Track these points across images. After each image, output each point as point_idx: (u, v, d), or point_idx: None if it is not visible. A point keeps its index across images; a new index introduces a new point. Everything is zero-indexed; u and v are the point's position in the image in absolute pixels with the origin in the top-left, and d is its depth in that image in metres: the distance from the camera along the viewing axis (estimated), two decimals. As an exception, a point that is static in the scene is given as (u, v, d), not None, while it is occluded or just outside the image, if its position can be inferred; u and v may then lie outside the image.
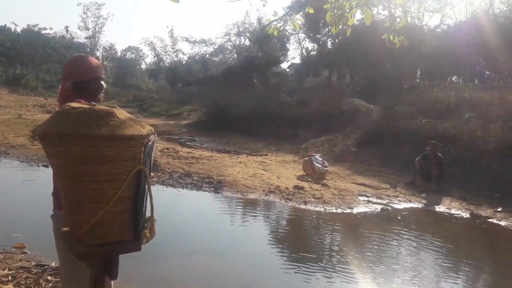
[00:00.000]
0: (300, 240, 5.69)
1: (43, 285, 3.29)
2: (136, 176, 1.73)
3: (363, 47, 20.03)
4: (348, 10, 3.49)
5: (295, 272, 4.29)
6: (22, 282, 3.31)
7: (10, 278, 3.35)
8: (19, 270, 3.54)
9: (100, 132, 1.58)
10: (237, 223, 6.13)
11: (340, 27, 3.58)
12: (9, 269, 3.53)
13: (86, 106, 1.69)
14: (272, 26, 4.16)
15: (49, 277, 3.46)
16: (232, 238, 5.34)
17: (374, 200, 7.63)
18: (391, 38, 3.38)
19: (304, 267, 4.44)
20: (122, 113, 1.71)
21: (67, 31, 61.03)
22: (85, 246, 1.68)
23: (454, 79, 24.63)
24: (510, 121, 9.64)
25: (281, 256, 4.85)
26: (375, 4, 3.27)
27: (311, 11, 3.46)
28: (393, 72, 20.79)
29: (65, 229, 1.81)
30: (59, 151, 1.61)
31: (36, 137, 1.68)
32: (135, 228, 1.76)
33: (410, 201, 7.74)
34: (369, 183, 8.99)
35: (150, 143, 1.73)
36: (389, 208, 7.16)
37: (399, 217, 6.76)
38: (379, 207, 7.14)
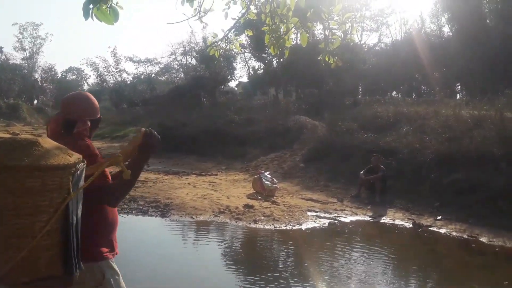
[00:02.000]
0: (250, 259, 5.66)
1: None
2: (64, 208, 1.65)
3: (307, 65, 20.73)
4: (284, 33, 3.60)
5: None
6: None
7: None
8: None
9: (23, 163, 1.50)
10: (186, 247, 5.99)
11: (279, 49, 3.68)
12: None
13: (7, 135, 1.60)
14: (214, 47, 4.19)
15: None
16: (180, 262, 5.20)
17: (322, 214, 7.78)
18: (327, 58, 3.51)
19: (257, 286, 4.41)
20: (47, 142, 1.64)
21: (1, 52, 57.79)
22: (10, 284, 1.58)
23: (394, 94, 26.08)
24: (444, 133, 10.27)
25: (233, 277, 4.79)
26: (309, 27, 3.40)
27: (250, 33, 3.53)
28: (336, 89, 21.68)
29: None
30: (-24, 185, 1.50)
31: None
32: (65, 262, 1.68)
33: (356, 214, 7.96)
34: (317, 198, 9.17)
35: (78, 172, 1.66)
36: (336, 222, 7.32)
37: (346, 230, 6.93)
38: (327, 221, 7.28)
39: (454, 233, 6.76)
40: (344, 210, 8.19)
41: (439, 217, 7.56)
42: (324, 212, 7.93)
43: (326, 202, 8.77)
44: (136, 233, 6.27)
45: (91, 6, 2.38)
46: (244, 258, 5.68)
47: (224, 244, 6.24)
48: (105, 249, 1.97)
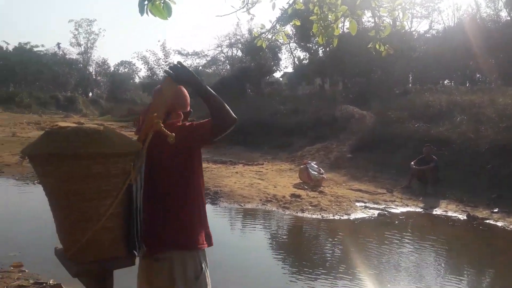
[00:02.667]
0: (298, 248, 5.69)
1: (40, 304, 3.28)
2: (128, 193, 1.75)
3: (354, 54, 20.21)
4: (333, 21, 3.56)
5: (295, 281, 4.28)
6: (19, 301, 3.30)
7: (7, 298, 3.34)
8: (16, 290, 3.52)
9: (88, 151, 1.60)
10: (235, 234, 6.13)
11: (326, 38, 3.65)
12: (6, 289, 3.52)
13: (74, 125, 1.72)
14: (261, 38, 4.22)
15: (46, 296, 3.45)
16: (229, 248, 5.32)
17: (371, 205, 7.65)
18: (377, 46, 3.43)
19: (305, 275, 4.44)
20: (110, 131, 1.74)
21: (59, 47, 60.99)
22: (78, 263, 1.70)
23: (446, 82, 24.89)
24: (502, 122, 9.72)
25: (280, 265, 4.84)
26: (359, 15, 3.33)
27: (298, 23, 3.52)
28: (385, 78, 20.99)
29: (58, 247, 1.84)
30: (48, 171, 1.64)
31: (25, 157, 1.69)
32: (128, 243, 1.78)
33: (407, 205, 7.76)
34: (365, 189, 9.02)
35: (139, 159, 1.75)
36: (386, 213, 7.18)
37: (397, 222, 6.78)
38: (376, 212, 7.16)
39: (512, 227, 6.43)
40: (394, 201, 8.01)
41: (495, 210, 7.21)
42: (373, 203, 7.79)
43: (375, 193, 8.61)
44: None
45: (146, 2, 2.48)
46: (291, 247, 5.73)
47: (272, 232, 6.31)
48: (204, 238, 1.96)
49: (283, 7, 4.24)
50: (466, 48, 18.92)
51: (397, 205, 7.72)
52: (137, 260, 1.86)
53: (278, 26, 4.05)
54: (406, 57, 20.40)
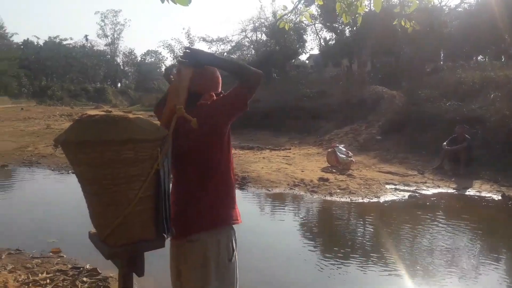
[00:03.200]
0: (327, 232, 5.68)
1: (79, 286, 3.42)
2: (156, 177, 1.79)
3: (382, 32, 19.65)
4: (356, -1, 3.47)
5: (325, 264, 4.29)
6: (60, 284, 3.45)
7: (48, 281, 3.50)
8: (56, 273, 3.69)
9: (116, 137, 1.65)
10: (262, 218, 6.17)
11: (350, 17, 3.56)
12: (47, 273, 3.69)
13: (102, 113, 1.76)
14: (283, 20, 4.17)
15: (84, 279, 3.59)
16: (257, 233, 5.37)
17: (402, 187, 7.53)
18: (403, 23, 3.33)
19: (334, 259, 4.44)
20: (137, 118, 1.78)
21: (86, 40, 62.37)
22: (111, 246, 1.77)
23: (480, 58, 23.93)
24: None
25: (310, 249, 4.84)
26: (384, -10, 3.23)
27: (321, 2, 3.45)
28: (415, 55, 20.34)
29: (92, 231, 1.91)
30: (79, 158, 1.69)
31: (58, 145, 1.76)
32: (157, 226, 1.83)
33: (439, 186, 7.59)
34: (395, 171, 8.87)
35: (166, 144, 1.79)
36: (417, 194, 7.05)
37: (428, 203, 6.64)
38: (407, 194, 7.04)
39: (552, 207, 6.19)
40: (426, 182, 7.84)
41: (533, 189, 6.96)
42: (403, 185, 7.67)
43: (405, 175, 8.46)
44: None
45: (166, -12, 2.49)
46: (320, 230, 5.72)
47: (300, 215, 6.32)
48: (235, 214, 1.97)
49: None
50: (500, 20, 18.05)
51: (429, 187, 7.56)
52: (167, 243, 1.90)
53: (301, 7, 3.99)
54: (436, 33, 19.69)
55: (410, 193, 7.09)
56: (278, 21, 4.49)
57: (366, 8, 3.88)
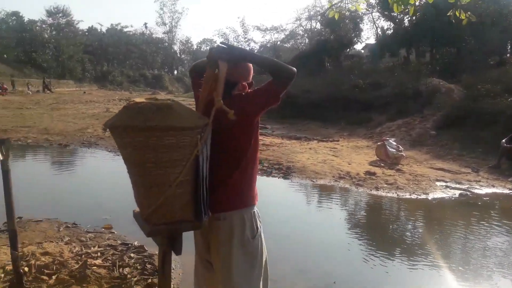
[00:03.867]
0: (370, 226, 5.60)
1: (127, 261, 3.67)
2: (195, 162, 1.90)
3: (444, 22, 18.66)
4: (409, -12, 3.36)
5: (362, 259, 4.26)
6: (109, 258, 3.72)
7: (99, 254, 3.79)
8: (107, 248, 3.97)
9: (160, 124, 1.77)
10: (304, 208, 6.20)
11: (402, 7, 3.47)
12: (99, 246, 3.99)
13: (148, 101, 1.89)
14: (333, 9, 4.12)
15: (132, 254, 3.85)
16: (299, 222, 5.43)
17: (453, 185, 7.24)
18: (457, 14, 3.19)
19: (374, 253, 4.40)
20: (180, 106, 1.89)
21: (146, 27, 64.62)
22: (152, 224, 1.91)
23: (553, 50, 22.09)
24: None
25: (351, 242, 4.82)
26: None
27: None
28: (478, 47, 19.14)
29: (136, 210, 2.07)
30: (125, 142, 1.83)
31: (107, 129, 1.91)
32: (195, 208, 1.95)
33: (493, 186, 7.21)
34: (448, 168, 8.52)
35: (205, 132, 1.89)
36: (468, 193, 6.76)
37: (480, 203, 6.35)
38: (457, 192, 6.77)
39: None
40: (479, 181, 7.48)
41: None
42: (455, 183, 7.37)
43: (458, 172, 8.11)
44: (260, 192, 6.69)
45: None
46: (361, 224, 5.65)
47: (342, 208, 6.27)
48: (256, 195, 2.13)
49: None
50: None
51: (482, 186, 7.21)
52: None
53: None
54: (503, 23, 18.37)
55: (461, 191, 6.81)
56: (328, 9, 4.44)
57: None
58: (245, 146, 2.02)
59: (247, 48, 41.46)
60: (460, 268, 4.02)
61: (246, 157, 2.03)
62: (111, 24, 61.04)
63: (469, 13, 3.18)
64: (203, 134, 1.89)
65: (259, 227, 2.07)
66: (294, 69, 1.90)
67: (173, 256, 2.01)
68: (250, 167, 2.07)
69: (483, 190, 7.00)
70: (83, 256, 3.67)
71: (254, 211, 2.08)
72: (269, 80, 1.93)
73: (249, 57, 2.00)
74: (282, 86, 1.91)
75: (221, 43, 2.02)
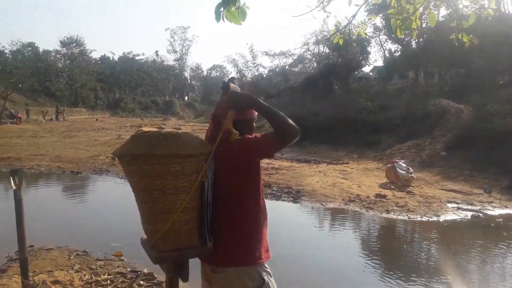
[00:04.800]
0: (380, 249, 5.53)
1: (136, 288, 3.68)
2: (200, 188, 1.94)
3: (451, 43, 18.75)
4: (411, 13, 3.43)
5: (373, 283, 4.21)
6: (119, 286, 3.74)
7: (108, 282, 3.80)
8: (117, 275, 3.99)
9: (166, 152, 1.83)
10: (314, 232, 6.15)
11: (405, 31, 3.53)
12: (108, 274, 4.01)
13: (155, 130, 1.95)
14: (337, 35, 4.21)
15: (141, 282, 3.86)
16: (308, 246, 5.39)
17: (465, 206, 7.14)
18: (460, 37, 3.24)
19: (385, 277, 4.34)
20: (186, 134, 1.95)
21: (157, 55, 65.97)
22: (159, 251, 1.93)
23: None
24: None
25: (361, 266, 4.76)
26: (437, 5, 3.19)
27: (374, 18, 3.46)
28: (488, 67, 19.13)
29: (143, 237, 2.10)
30: (133, 169, 1.89)
31: (115, 158, 1.97)
32: (201, 235, 1.97)
33: (507, 207, 7.09)
34: (459, 189, 8.42)
35: (210, 158, 1.94)
36: (481, 214, 6.65)
37: (493, 224, 6.24)
38: (469, 214, 6.67)
39: None
40: (492, 202, 7.37)
41: None
42: (466, 204, 7.27)
43: (470, 194, 8.01)
44: (271, 216, 6.65)
45: (221, 8, 2.67)
46: (372, 248, 5.59)
47: (352, 232, 6.21)
48: (262, 253, 1.95)
49: (358, 3, 4.18)
50: None
51: (495, 207, 7.10)
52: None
53: (355, 22, 4.00)
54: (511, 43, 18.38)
55: (474, 212, 6.71)
56: (332, 36, 4.54)
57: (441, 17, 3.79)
58: (242, 196, 1.96)
59: (256, 73, 41.98)
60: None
61: (244, 207, 1.96)
62: (123, 53, 62.51)
63: (471, 36, 3.22)
64: (208, 160, 1.94)
65: (265, 279, 1.90)
66: (298, 128, 1.83)
67: (183, 284, 2.01)
68: (250, 221, 1.97)
69: (496, 211, 6.89)
70: (93, 284, 3.69)
71: (255, 271, 1.90)
72: (271, 132, 1.86)
73: (255, 105, 1.94)
74: (282, 143, 1.85)
75: (229, 80, 2.06)
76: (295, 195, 7.76)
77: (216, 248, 1.93)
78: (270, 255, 2.01)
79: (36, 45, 47.46)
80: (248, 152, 1.92)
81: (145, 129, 2.01)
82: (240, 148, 1.91)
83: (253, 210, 1.99)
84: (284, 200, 7.57)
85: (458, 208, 7.02)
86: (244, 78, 43.68)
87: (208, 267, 1.99)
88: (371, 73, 40.83)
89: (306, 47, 38.65)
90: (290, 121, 1.82)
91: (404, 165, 9.28)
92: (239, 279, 1.89)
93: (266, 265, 1.97)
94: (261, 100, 1.94)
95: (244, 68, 43.31)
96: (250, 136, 1.96)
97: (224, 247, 1.93)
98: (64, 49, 53.77)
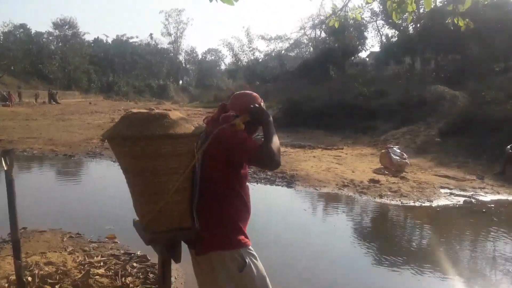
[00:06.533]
0: (373, 234, 5.58)
1: (129, 270, 3.68)
2: (192, 169, 1.93)
3: (448, 29, 18.64)
4: (408, -3, 3.39)
5: (366, 267, 4.25)
6: (112, 267, 3.73)
7: (102, 263, 3.80)
8: (110, 257, 3.99)
9: (157, 133, 1.80)
10: (308, 217, 6.19)
11: (401, 15, 3.50)
12: (102, 256, 4.00)
13: (144, 111, 1.92)
14: (332, 18, 4.16)
15: (134, 264, 3.86)
16: (303, 231, 5.41)
17: (457, 192, 7.20)
18: (456, 21, 3.21)
19: (377, 261, 4.39)
20: (175, 115, 1.92)
21: (151, 38, 65.14)
22: (151, 232, 1.92)
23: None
24: None
25: (354, 251, 4.81)
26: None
27: (370, 1, 3.41)
28: (484, 54, 19.10)
29: (136, 219, 2.09)
30: (123, 151, 1.86)
31: (105, 140, 1.94)
32: (193, 217, 1.97)
33: (498, 193, 7.16)
34: (453, 175, 8.48)
35: (200, 139, 1.92)
36: (473, 200, 6.71)
37: (484, 210, 6.30)
38: (462, 199, 6.73)
39: None
40: (484, 188, 7.44)
41: None
42: (459, 190, 7.33)
43: (463, 179, 8.07)
44: (264, 201, 6.68)
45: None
46: (364, 232, 5.63)
47: (345, 216, 6.25)
48: (244, 237, 1.98)
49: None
50: None
51: (487, 193, 7.16)
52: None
53: (351, 5, 3.96)
54: (509, 30, 18.33)
55: (466, 198, 6.77)
56: (328, 18, 4.48)
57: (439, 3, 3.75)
58: (223, 185, 1.98)
59: (252, 58, 41.64)
60: (465, 276, 3.99)
61: (226, 198, 1.97)
62: (117, 35, 61.80)
63: (467, 20, 3.20)
64: (199, 141, 1.93)
65: (247, 261, 1.93)
66: (280, 164, 1.97)
67: (176, 265, 2.01)
68: (231, 210, 1.98)
69: (488, 197, 6.95)
70: (86, 265, 3.68)
71: (236, 254, 1.93)
72: (261, 148, 1.91)
73: (266, 125, 2.01)
74: (261, 163, 2.01)
75: (255, 106, 2.05)
76: (289, 180, 7.77)
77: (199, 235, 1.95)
78: (250, 242, 2.02)
79: (28, 26, 46.80)
80: (234, 149, 1.93)
81: (135, 110, 1.97)
82: (227, 142, 1.92)
83: (234, 195, 2.00)
84: (278, 185, 7.58)
85: (451, 194, 7.07)
86: (240, 63, 43.37)
87: (192, 251, 2.02)
88: (367, 59, 40.64)
89: (302, 31, 38.40)
90: (279, 154, 1.96)
91: (398, 150, 9.32)
92: (220, 260, 1.91)
93: (251, 248, 2.00)
94: (272, 124, 2.03)
95: (240, 52, 42.99)
96: (243, 133, 1.97)
97: (204, 230, 1.94)
98: (56, 31, 52.94)
